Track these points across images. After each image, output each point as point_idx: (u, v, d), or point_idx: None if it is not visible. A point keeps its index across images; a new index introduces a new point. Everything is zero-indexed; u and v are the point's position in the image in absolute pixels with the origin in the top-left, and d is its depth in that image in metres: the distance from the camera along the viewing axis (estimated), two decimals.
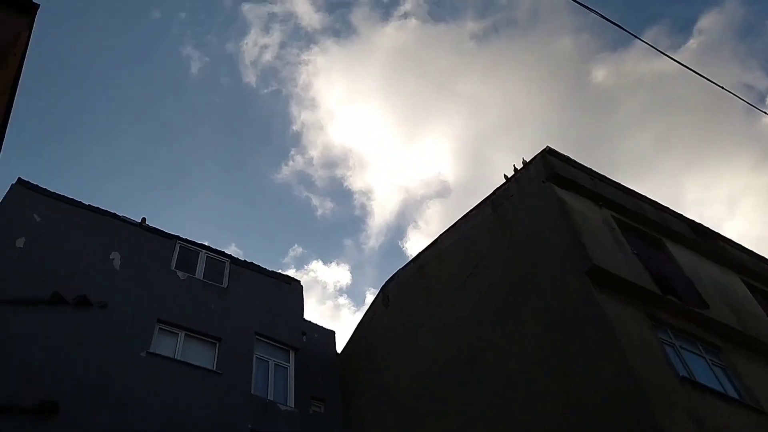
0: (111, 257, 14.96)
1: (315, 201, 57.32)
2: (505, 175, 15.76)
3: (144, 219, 17.12)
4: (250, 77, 53.58)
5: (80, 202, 15.93)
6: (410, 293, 17.13)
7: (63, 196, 15.70)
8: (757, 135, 55.71)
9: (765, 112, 9.49)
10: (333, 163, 57.37)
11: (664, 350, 10.53)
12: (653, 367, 9.86)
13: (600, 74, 56.04)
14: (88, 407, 11.50)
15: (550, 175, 13.85)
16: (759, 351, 12.40)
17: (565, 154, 14.88)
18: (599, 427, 9.68)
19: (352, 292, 62.43)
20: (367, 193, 60.06)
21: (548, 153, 14.52)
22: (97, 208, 16.11)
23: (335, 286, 58.45)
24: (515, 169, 15.24)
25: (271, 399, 14.34)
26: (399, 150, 59.26)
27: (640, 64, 54.98)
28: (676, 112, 52.62)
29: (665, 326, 11.30)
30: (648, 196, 15.33)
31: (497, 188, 15.58)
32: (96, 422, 11.39)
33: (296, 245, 57.29)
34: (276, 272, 18.23)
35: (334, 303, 58.63)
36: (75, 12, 45.20)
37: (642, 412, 9.10)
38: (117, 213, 16.42)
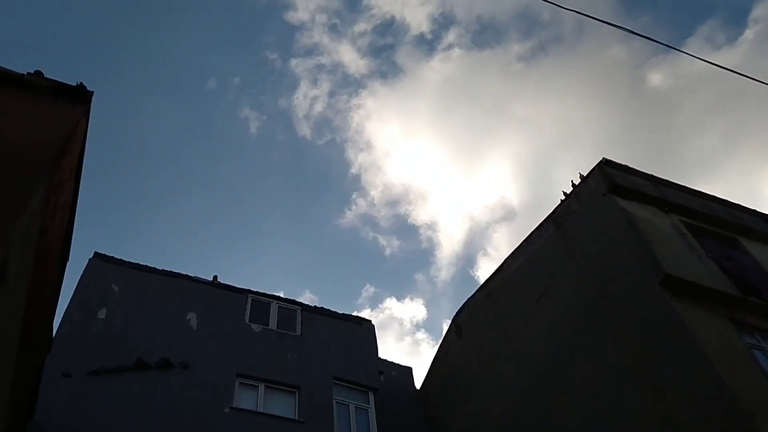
0: (188, 318, 15.51)
1: (382, 240, 57.79)
2: (564, 192, 15.52)
3: (215, 277, 17.72)
4: (305, 130, 55.05)
5: (154, 268, 16.64)
6: (482, 322, 16.91)
7: (138, 264, 16.45)
8: None
9: None
10: (395, 201, 57.87)
11: (753, 355, 9.97)
12: (743, 375, 9.33)
13: (656, 78, 54.57)
14: None
15: (610, 187, 13.53)
16: None
17: (624, 163, 14.54)
18: None
19: (429, 326, 62.15)
20: (432, 227, 60.02)
21: (605, 164, 14.22)
22: (170, 271, 16.78)
23: (411, 321, 58.33)
24: (573, 185, 14.97)
25: None
26: (459, 180, 59.15)
27: (696, 62, 53.08)
28: (741, 107, 50.43)
29: (751, 329, 10.70)
30: (716, 195, 14.74)
31: (558, 206, 15.32)
32: None
33: (368, 285, 57.70)
34: (347, 314, 18.42)
35: (413, 338, 58.45)
36: (135, 92, 47.83)
37: (739, 423, 8.62)
38: (189, 274, 17.05)
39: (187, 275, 17.02)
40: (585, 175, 14.62)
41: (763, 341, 10.56)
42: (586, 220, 14.01)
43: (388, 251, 57.54)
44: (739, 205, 14.72)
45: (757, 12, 54.15)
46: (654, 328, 10.85)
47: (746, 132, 51.87)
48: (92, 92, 7.53)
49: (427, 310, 60.29)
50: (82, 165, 7.93)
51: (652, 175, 14.59)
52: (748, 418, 8.56)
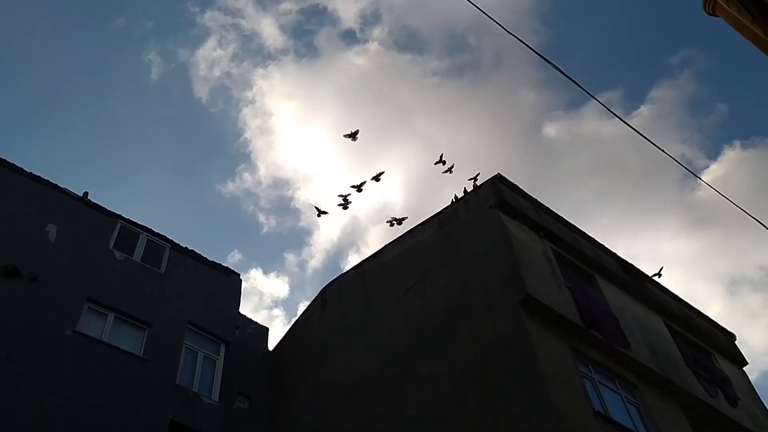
0: (47, 229, 14.58)
1: (261, 216, 57.46)
2: (455, 195, 16.10)
3: (86, 193, 16.71)
4: (204, 89, 52.83)
5: (20, 167, 15.44)
6: (349, 300, 17.24)
7: (2, 159, 15.19)
8: (687, 205, 58.71)
9: (701, 179, 10.02)
10: (281, 181, 57.43)
11: (583, 383, 10.96)
12: (570, 399, 10.25)
13: (551, 129, 58.27)
14: (3, 381, 11.21)
15: (497, 202, 14.19)
16: (672, 393, 13.04)
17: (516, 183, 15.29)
18: None
19: (288, 305, 62.46)
20: (312, 216, 60.01)
21: (498, 180, 14.88)
22: (38, 176, 15.65)
23: (272, 297, 58.39)
24: (465, 191, 15.58)
25: (196, 391, 14.24)
26: (348, 175, 59.40)
27: (587, 125, 57.72)
28: (615, 174, 55.37)
29: (587, 360, 11.76)
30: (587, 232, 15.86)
31: (445, 207, 15.88)
32: (11, 398, 11.11)
33: (236, 251, 57.01)
34: (217, 263, 18.06)
35: (269, 314, 58.76)
36: (32, 7, 43.41)
37: None
38: (58, 184, 15.98)
39: (56, 184, 15.94)
40: (479, 185, 15.23)
41: (595, 373, 11.63)
42: (469, 227, 14.63)
43: (265, 228, 57.16)
44: (603, 246, 15.95)
45: (656, 92, 58.66)
46: (504, 339, 11.60)
47: (614, 197, 56.73)
48: None
49: (290, 290, 60.57)
50: None
51: (536, 200, 15.44)
52: None
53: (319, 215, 19.14)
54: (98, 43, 47.73)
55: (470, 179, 17.24)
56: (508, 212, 14.03)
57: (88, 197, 16.63)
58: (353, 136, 18.23)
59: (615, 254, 16.21)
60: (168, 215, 52.80)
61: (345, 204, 18.44)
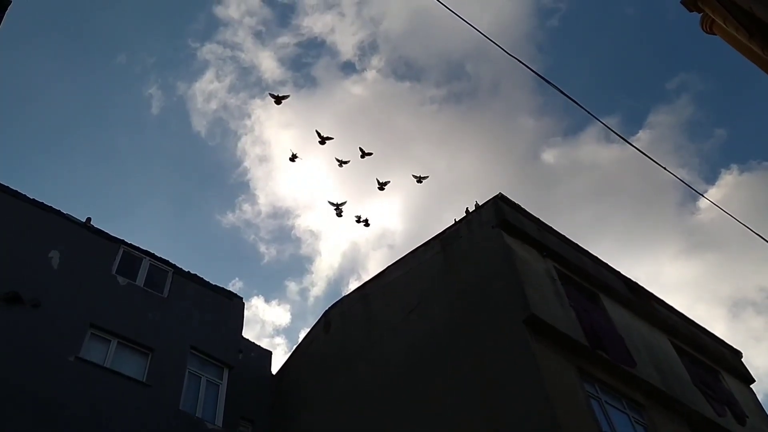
0: (50, 255, 14.58)
1: (261, 246, 57.65)
2: (465, 212, 16.08)
3: (89, 219, 16.76)
4: (202, 121, 53.41)
5: (22, 194, 15.49)
6: (352, 322, 17.16)
7: (6, 186, 15.25)
8: (686, 229, 58.72)
9: (707, 198, 10.05)
10: (280, 210, 57.76)
11: (590, 403, 10.85)
12: (577, 420, 10.15)
13: (549, 155, 58.69)
14: (7, 408, 11.14)
15: (499, 221, 14.16)
16: (680, 412, 12.90)
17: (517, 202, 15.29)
18: None
19: (290, 334, 62.41)
20: (313, 243, 60.05)
21: (500, 199, 14.88)
22: (41, 202, 15.70)
23: (273, 325, 58.25)
24: (467, 212, 15.58)
25: (199, 416, 14.13)
26: (348, 204, 59.37)
27: (585, 151, 58.12)
28: (613, 197, 55.63)
29: (593, 380, 11.65)
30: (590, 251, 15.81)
31: (448, 228, 15.86)
32: (15, 424, 11.03)
33: (237, 279, 57.13)
34: (219, 287, 18.02)
35: (271, 342, 58.76)
36: (34, 38, 44.00)
37: None
38: (62, 210, 16.03)
39: (58, 210, 15.98)
40: (480, 204, 15.23)
41: (602, 393, 11.52)
42: (471, 247, 14.60)
43: (266, 258, 57.23)
44: (606, 264, 15.89)
45: (654, 117, 59.03)
46: (508, 360, 11.50)
47: (612, 221, 56.93)
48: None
49: (292, 318, 60.41)
50: None
51: (538, 219, 15.42)
52: None
53: (338, 212, 19.75)
54: (101, 79, 48.36)
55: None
56: (511, 232, 13.99)
57: (91, 223, 16.68)
58: (341, 163, 19.63)
59: (619, 273, 16.14)
60: (169, 246, 53.30)
61: (338, 211, 19.28)
